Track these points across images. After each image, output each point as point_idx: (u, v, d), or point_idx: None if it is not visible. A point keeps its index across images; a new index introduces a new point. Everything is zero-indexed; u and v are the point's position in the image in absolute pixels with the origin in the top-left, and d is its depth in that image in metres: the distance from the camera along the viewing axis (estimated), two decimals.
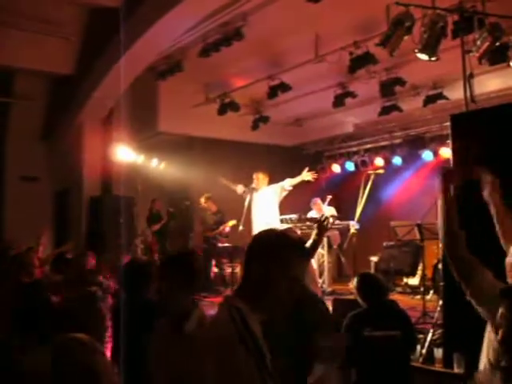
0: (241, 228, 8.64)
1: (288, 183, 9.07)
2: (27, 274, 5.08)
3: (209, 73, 10.71)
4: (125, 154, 11.10)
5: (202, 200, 11.00)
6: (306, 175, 8.88)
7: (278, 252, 2.18)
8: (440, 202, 2.83)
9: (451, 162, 5.31)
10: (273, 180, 9.40)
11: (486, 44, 6.41)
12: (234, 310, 2.08)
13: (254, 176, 9.32)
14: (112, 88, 10.31)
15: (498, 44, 6.47)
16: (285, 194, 9.10)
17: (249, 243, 2.28)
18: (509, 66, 7.18)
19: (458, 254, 2.79)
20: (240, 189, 9.64)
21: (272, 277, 2.14)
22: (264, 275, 2.14)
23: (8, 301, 4.48)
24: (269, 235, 2.31)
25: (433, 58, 6.59)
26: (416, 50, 6.67)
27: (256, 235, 2.34)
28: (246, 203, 9.18)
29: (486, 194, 3.29)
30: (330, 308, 6.27)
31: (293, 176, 9.18)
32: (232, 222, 10.45)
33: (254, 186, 9.24)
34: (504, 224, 3.16)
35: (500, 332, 2.36)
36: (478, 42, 6.43)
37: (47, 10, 9.55)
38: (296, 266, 2.20)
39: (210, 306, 5.70)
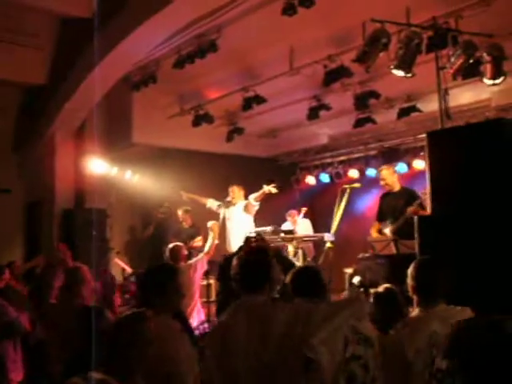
0: (216, 242, 8.56)
1: (252, 198, 9.04)
2: None
3: (183, 84, 10.67)
4: (98, 165, 10.97)
5: (180, 212, 10.84)
6: (267, 188, 8.81)
7: None
8: None
9: (427, 177, 5.34)
10: (248, 191, 9.37)
11: (460, 61, 6.49)
12: None
13: (230, 189, 9.27)
14: (85, 99, 10.19)
15: (471, 61, 6.56)
16: (255, 207, 9.06)
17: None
18: (481, 80, 7.27)
19: None
20: (211, 203, 9.57)
21: None
22: None
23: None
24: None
25: (408, 75, 6.65)
26: (391, 66, 6.72)
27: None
28: (221, 217, 9.13)
29: None
30: None
31: None
32: (199, 239, 10.29)
33: (229, 199, 9.19)
34: None
35: None
36: (452, 59, 6.50)
37: (19, 20, 9.43)
38: None
39: None
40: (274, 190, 8.84)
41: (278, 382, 2.80)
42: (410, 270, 3.54)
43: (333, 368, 2.85)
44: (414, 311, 3.52)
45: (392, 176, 8.11)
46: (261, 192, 8.86)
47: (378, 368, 3.03)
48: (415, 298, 3.50)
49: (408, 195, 7.75)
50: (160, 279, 3.58)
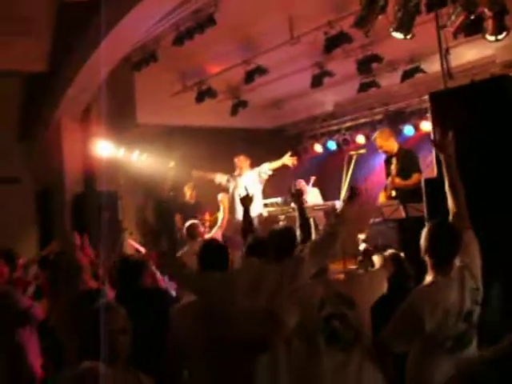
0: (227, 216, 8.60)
1: (266, 168, 9.03)
2: None
3: (184, 61, 10.60)
4: (105, 148, 11.00)
5: (187, 188, 10.71)
6: (288, 159, 8.79)
7: None
8: None
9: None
10: (256, 163, 9.37)
11: (461, 18, 6.41)
12: None
13: (236, 160, 9.25)
14: (88, 82, 10.20)
15: (472, 17, 6.47)
16: (265, 178, 9.06)
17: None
18: (484, 37, 7.16)
19: None
20: (220, 178, 9.53)
21: None
22: None
23: None
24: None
25: (408, 36, 6.58)
26: (391, 29, 6.65)
27: None
28: (230, 190, 9.13)
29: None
30: None
31: (275, 158, 9.13)
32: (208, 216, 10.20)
33: (237, 171, 9.18)
34: None
35: None
36: (453, 17, 6.42)
37: (14, 9, 9.36)
38: None
39: None
40: (290, 163, 8.83)
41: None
42: (423, 233, 3.47)
43: (310, 324, 3.01)
44: (429, 275, 3.44)
45: (387, 141, 8.04)
46: (280, 162, 8.86)
47: (364, 326, 3.13)
48: (429, 260, 3.40)
49: (403, 157, 7.76)
50: None
